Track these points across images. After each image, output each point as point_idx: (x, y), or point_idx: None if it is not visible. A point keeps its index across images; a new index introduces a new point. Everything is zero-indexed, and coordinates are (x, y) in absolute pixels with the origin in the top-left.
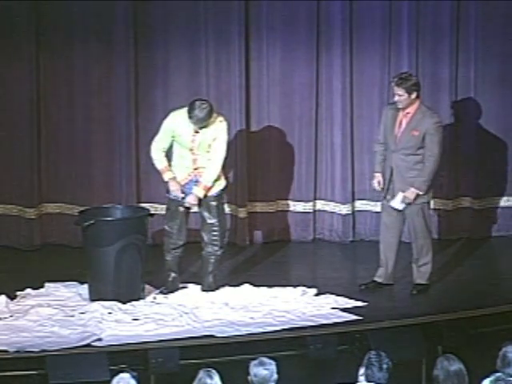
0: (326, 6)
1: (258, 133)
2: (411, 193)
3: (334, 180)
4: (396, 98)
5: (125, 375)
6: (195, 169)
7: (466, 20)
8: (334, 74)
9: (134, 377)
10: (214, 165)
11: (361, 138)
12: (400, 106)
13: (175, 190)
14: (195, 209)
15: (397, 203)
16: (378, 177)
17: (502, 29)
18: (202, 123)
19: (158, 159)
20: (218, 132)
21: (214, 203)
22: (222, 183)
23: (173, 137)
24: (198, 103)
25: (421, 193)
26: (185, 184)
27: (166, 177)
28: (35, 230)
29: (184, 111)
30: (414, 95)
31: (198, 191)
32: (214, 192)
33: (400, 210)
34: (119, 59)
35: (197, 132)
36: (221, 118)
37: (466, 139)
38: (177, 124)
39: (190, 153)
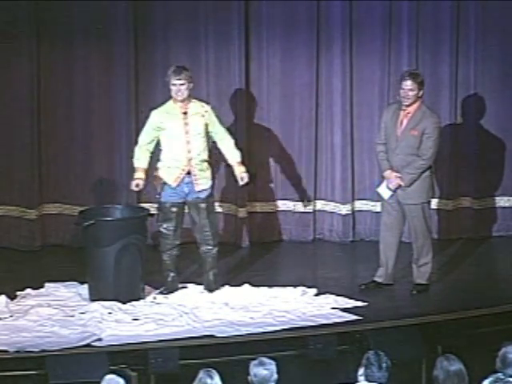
0: (326, 6)
1: (257, 133)
2: (395, 183)
3: (334, 180)
4: (404, 93)
5: (112, 376)
6: (189, 160)
7: (465, 20)
8: (334, 73)
9: (122, 376)
10: (230, 141)
11: (361, 138)
12: (406, 103)
13: (133, 187)
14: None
15: (382, 189)
16: (393, 172)
17: (502, 29)
18: (180, 72)
19: (137, 156)
20: (210, 115)
21: (203, 205)
22: (210, 182)
23: (159, 130)
24: None
25: (402, 184)
26: (177, 186)
27: (136, 175)
28: (35, 231)
29: (166, 105)
30: (420, 92)
31: (241, 170)
32: (202, 194)
33: (386, 199)
34: (119, 59)
35: (185, 113)
36: (204, 103)
37: (466, 139)
38: (163, 118)
39: (185, 140)
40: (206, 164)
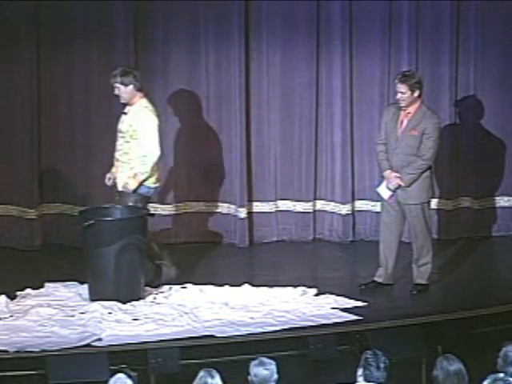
0: (326, 6)
1: (258, 133)
2: (394, 183)
3: (334, 180)
4: (398, 96)
5: (121, 375)
6: (117, 160)
7: (465, 20)
8: (334, 73)
9: (130, 377)
10: (145, 159)
11: (361, 138)
12: (402, 105)
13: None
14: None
15: (382, 189)
16: (393, 172)
17: (502, 29)
18: (115, 76)
19: None
20: (140, 119)
21: (130, 203)
22: (131, 185)
23: None
24: None
25: (403, 184)
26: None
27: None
28: (35, 231)
29: None
30: (416, 93)
31: (132, 182)
32: (127, 191)
33: (386, 200)
34: (119, 59)
35: (124, 113)
36: (146, 105)
37: (465, 139)
38: None
39: (117, 137)
40: (129, 166)
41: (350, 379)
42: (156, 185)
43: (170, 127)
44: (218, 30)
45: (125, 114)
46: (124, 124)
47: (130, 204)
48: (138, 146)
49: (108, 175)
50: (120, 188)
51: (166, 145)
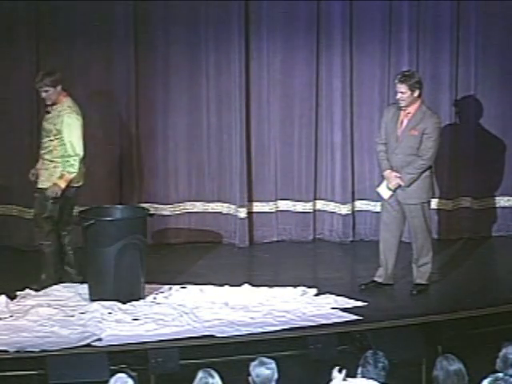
0: (326, 6)
1: (258, 133)
2: (394, 183)
3: (334, 180)
4: (398, 96)
5: (122, 375)
6: (41, 158)
7: (466, 20)
8: (334, 73)
9: (131, 376)
10: (71, 159)
11: (361, 138)
12: (402, 105)
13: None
14: None
15: (382, 189)
16: (393, 172)
17: (502, 29)
18: (42, 80)
19: None
20: (63, 120)
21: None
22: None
23: None
24: None
25: (403, 184)
26: None
27: None
28: (35, 231)
29: None
30: (416, 93)
31: (60, 182)
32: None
33: (386, 200)
34: (119, 59)
35: (48, 112)
36: (70, 104)
37: (465, 139)
38: None
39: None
40: (52, 164)
41: None
42: (76, 185)
43: (170, 127)
44: (218, 30)
45: (48, 112)
46: (48, 123)
47: (49, 202)
48: (62, 145)
49: (32, 171)
50: (40, 185)
51: (167, 145)
